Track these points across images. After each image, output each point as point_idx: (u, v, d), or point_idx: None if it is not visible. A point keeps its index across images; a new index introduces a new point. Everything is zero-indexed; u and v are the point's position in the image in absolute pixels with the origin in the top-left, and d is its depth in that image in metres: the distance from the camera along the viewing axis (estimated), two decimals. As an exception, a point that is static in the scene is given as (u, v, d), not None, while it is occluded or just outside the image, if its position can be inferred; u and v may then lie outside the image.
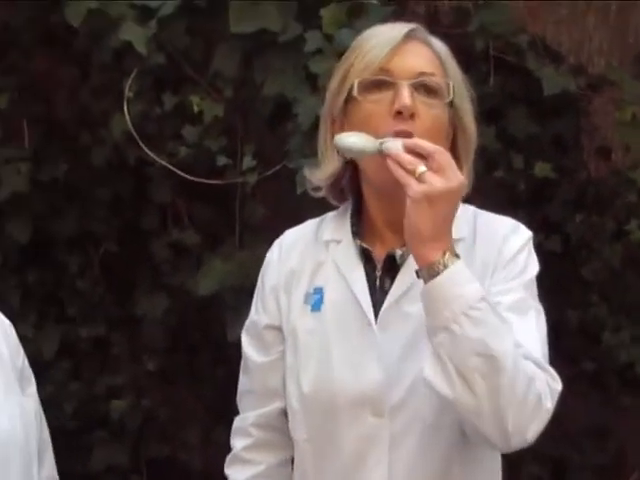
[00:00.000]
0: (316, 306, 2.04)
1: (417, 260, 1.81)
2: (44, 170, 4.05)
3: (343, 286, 2.02)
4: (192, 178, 3.48)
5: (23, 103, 4.05)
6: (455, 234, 1.86)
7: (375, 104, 1.94)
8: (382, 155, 1.84)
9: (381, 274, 2.02)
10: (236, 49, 3.57)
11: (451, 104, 1.96)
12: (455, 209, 1.80)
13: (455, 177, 1.78)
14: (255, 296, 2.17)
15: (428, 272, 1.80)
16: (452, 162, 1.79)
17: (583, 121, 4.18)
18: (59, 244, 4.18)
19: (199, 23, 3.59)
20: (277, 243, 2.16)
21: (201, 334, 4.33)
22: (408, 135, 1.87)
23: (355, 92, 1.95)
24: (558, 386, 1.87)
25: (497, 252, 1.96)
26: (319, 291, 2.05)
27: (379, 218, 2.04)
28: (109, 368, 4.23)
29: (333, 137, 1.97)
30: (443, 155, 1.80)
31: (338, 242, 2.06)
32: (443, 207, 1.77)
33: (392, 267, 2.01)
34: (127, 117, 3.49)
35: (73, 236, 4.16)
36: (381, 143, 1.86)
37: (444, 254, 1.79)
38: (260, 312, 2.14)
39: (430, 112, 1.93)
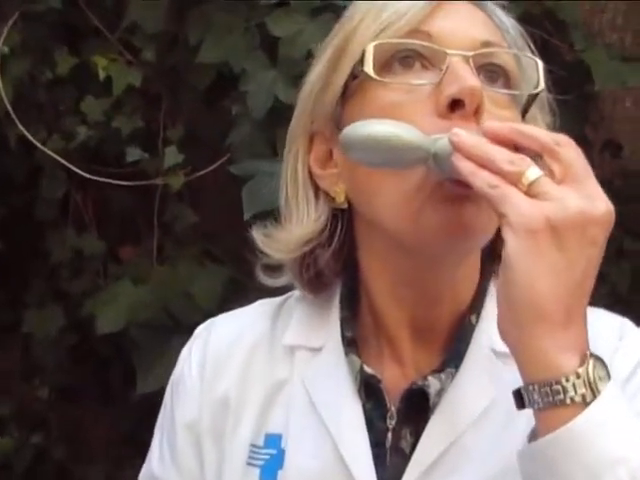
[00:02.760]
0: (269, 472, 1.10)
1: (527, 367, 0.91)
2: None
3: (322, 439, 1.10)
4: (86, 175, 2.10)
5: None
6: None
7: (405, 92, 1.04)
8: (430, 166, 0.99)
9: (396, 423, 1.07)
10: (162, -6, 2.30)
11: (524, 112, 1.06)
12: (599, 259, 0.90)
13: (598, 194, 0.89)
14: (158, 430, 1.22)
15: (551, 397, 0.88)
16: (588, 166, 0.91)
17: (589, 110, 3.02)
18: None
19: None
20: (199, 342, 1.22)
21: (111, 347, 3.04)
22: None
23: (369, 68, 1.04)
24: None
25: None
26: (274, 442, 1.11)
27: (393, 315, 1.10)
28: (-10, 396, 3.24)
29: (310, 167, 1.13)
30: (574, 151, 0.91)
31: (314, 351, 1.14)
32: (576, 254, 0.87)
33: (415, 409, 1.07)
34: (-1, 83, 2.09)
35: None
36: (435, 139, 0.98)
37: (583, 360, 0.89)
38: (167, 463, 1.19)
39: (499, 113, 1.03)
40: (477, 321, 1.11)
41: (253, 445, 1.13)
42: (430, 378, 1.08)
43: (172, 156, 2.21)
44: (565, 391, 0.90)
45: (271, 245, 1.14)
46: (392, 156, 1.01)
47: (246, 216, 1.97)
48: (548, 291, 0.89)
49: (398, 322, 1.12)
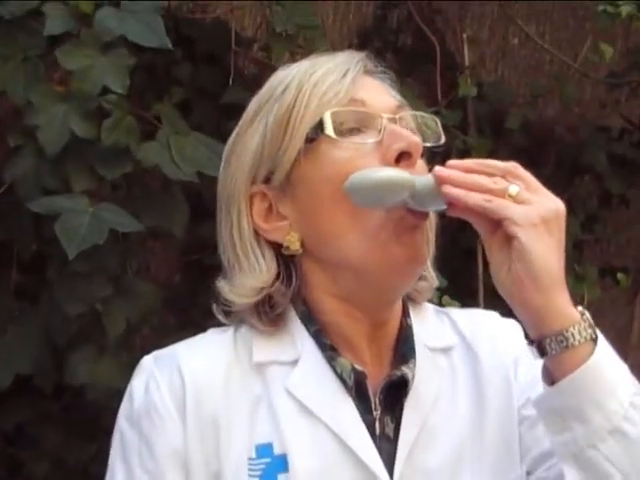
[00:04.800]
0: (269, 478, 1.20)
1: (548, 322, 1.14)
2: None
3: (321, 439, 1.22)
4: None
5: None
6: (440, 342, 1.32)
7: (353, 150, 1.24)
8: (404, 202, 1.21)
9: (380, 412, 1.25)
10: None
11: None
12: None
13: (553, 195, 1.18)
14: (120, 465, 1.24)
15: (565, 342, 1.13)
16: None
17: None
18: None
19: None
20: (164, 374, 1.25)
21: None
22: None
23: (330, 132, 1.24)
24: None
25: (504, 349, 1.33)
26: (266, 451, 1.21)
27: (351, 330, 1.27)
28: None
29: (254, 222, 1.28)
30: (524, 170, 1.18)
31: (289, 365, 1.26)
32: (560, 237, 1.16)
33: (392, 398, 1.26)
34: None
35: None
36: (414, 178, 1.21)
37: (583, 313, 1.16)
38: None
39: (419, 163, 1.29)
40: (411, 322, 1.30)
41: (250, 458, 1.21)
42: (404, 368, 1.25)
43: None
44: (574, 336, 1.13)
45: (241, 289, 1.25)
46: (391, 195, 1.18)
47: (70, 255, 1.92)
48: (555, 263, 1.13)
49: (358, 334, 1.26)
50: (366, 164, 1.22)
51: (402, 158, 1.23)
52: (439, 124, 1.30)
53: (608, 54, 2.74)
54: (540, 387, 1.20)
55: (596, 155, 3.13)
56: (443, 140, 1.30)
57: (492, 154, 2.90)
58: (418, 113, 1.31)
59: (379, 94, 1.28)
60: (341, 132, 1.24)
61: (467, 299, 2.58)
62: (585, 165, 3.16)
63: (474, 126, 2.95)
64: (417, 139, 1.24)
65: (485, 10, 3.26)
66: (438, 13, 3.18)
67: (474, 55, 3.05)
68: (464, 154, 2.86)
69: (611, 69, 3.15)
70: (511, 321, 1.36)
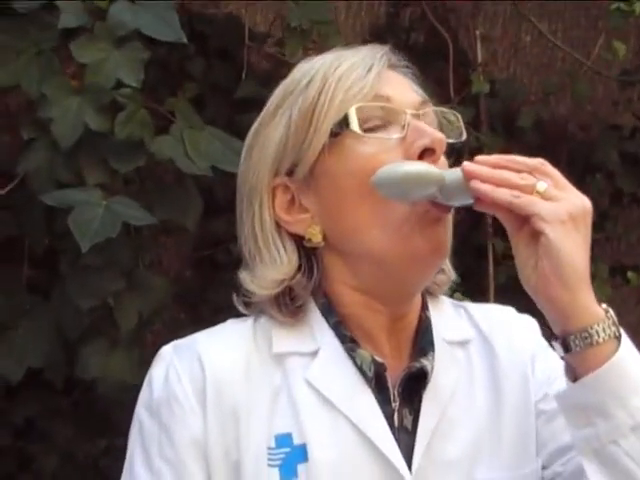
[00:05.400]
0: (287, 468, 1.19)
1: (574, 319, 1.14)
2: None
3: (340, 430, 1.22)
4: None
5: None
6: (457, 335, 1.31)
7: (378, 144, 1.24)
8: (432, 196, 1.20)
9: (399, 404, 1.24)
10: None
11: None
12: None
13: (579, 193, 1.18)
14: (139, 453, 1.23)
15: (589, 339, 1.14)
16: None
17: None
18: None
19: None
20: (184, 365, 1.24)
21: None
22: None
23: (355, 127, 1.23)
24: None
25: (521, 344, 1.32)
26: (285, 441, 1.20)
27: (370, 321, 1.27)
28: None
29: (276, 214, 1.28)
30: (552, 167, 1.18)
31: (308, 356, 1.25)
32: (586, 234, 1.16)
33: (410, 390, 1.25)
34: None
35: None
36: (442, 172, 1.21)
37: (607, 311, 1.16)
38: None
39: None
40: (429, 315, 1.32)
41: (269, 448, 1.20)
42: (423, 360, 1.25)
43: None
44: (598, 334, 1.13)
45: (262, 281, 1.24)
46: (419, 188, 1.18)
47: (84, 249, 1.92)
48: (581, 260, 1.13)
49: (377, 327, 1.26)
50: (390, 159, 1.21)
51: (425, 154, 1.23)
52: (460, 120, 1.30)
53: (621, 52, 2.73)
54: (558, 383, 1.20)
55: (608, 153, 3.12)
56: (465, 136, 1.29)
57: (504, 152, 2.89)
58: (439, 109, 1.30)
59: (403, 90, 1.28)
60: (365, 127, 1.24)
61: (478, 297, 2.57)
62: (597, 163, 3.15)
63: (486, 123, 2.94)
64: (441, 135, 1.24)
65: (498, 8, 3.25)
66: (451, 11, 3.18)
67: (487, 52, 3.04)
68: (476, 151, 2.85)
69: (623, 67, 3.14)
70: (527, 317, 1.36)
